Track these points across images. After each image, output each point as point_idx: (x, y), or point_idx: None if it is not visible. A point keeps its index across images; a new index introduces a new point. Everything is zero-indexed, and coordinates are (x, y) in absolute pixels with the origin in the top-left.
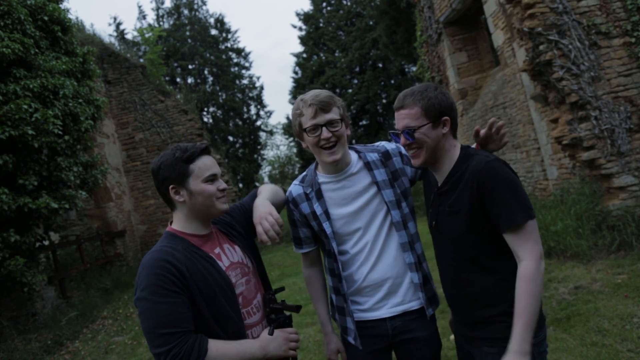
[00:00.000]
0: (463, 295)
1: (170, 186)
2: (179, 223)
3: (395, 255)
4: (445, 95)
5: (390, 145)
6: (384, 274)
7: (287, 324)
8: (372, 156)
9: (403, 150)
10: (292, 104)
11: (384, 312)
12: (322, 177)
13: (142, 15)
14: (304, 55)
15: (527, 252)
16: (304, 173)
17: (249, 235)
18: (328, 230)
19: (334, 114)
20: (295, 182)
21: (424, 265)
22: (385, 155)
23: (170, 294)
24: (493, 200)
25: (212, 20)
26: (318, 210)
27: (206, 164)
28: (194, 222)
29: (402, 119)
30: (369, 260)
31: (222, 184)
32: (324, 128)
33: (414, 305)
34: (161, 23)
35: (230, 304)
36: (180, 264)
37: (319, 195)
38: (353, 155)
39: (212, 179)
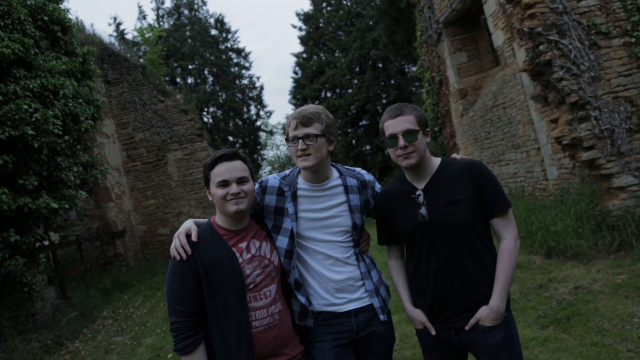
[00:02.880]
0: (464, 280)
1: (205, 187)
2: (216, 216)
3: (354, 268)
4: (424, 112)
5: (368, 177)
6: (349, 277)
7: None
8: (352, 181)
9: (377, 186)
10: (292, 104)
11: (350, 305)
12: (302, 183)
13: (142, 15)
14: (304, 56)
15: (508, 232)
16: (286, 172)
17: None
18: (295, 229)
19: (313, 129)
20: (276, 175)
21: (372, 273)
22: (363, 184)
23: (185, 277)
24: (489, 190)
25: (212, 21)
26: (290, 209)
27: (220, 171)
28: (224, 218)
29: (402, 123)
30: (325, 263)
31: (233, 189)
32: (300, 140)
33: (362, 303)
34: (161, 23)
35: (236, 290)
36: (199, 252)
37: (294, 197)
38: (335, 173)
39: (222, 184)
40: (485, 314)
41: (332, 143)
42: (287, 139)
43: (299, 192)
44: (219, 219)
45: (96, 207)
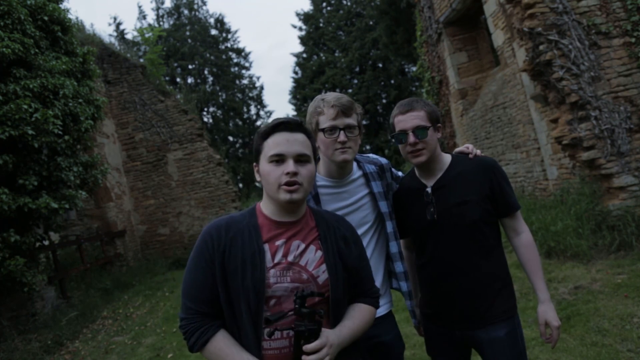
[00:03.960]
0: (471, 281)
1: (254, 163)
2: (263, 199)
3: (377, 264)
4: (436, 107)
5: (383, 160)
6: None
7: (307, 337)
8: (370, 167)
9: (394, 170)
10: (292, 104)
11: None
12: (321, 180)
13: (142, 15)
14: (304, 55)
15: (525, 227)
16: None
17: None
18: None
19: (352, 120)
20: None
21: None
22: (381, 169)
23: (197, 269)
24: (505, 190)
25: (212, 20)
26: None
27: (276, 141)
28: (271, 205)
29: (412, 119)
30: None
31: (289, 167)
32: (342, 131)
33: (380, 312)
34: (161, 23)
35: (250, 305)
36: (220, 243)
37: (317, 200)
38: (354, 163)
39: (276, 159)
40: (543, 312)
41: (361, 135)
42: (317, 130)
43: (321, 191)
44: (265, 205)
45: (96, 207)
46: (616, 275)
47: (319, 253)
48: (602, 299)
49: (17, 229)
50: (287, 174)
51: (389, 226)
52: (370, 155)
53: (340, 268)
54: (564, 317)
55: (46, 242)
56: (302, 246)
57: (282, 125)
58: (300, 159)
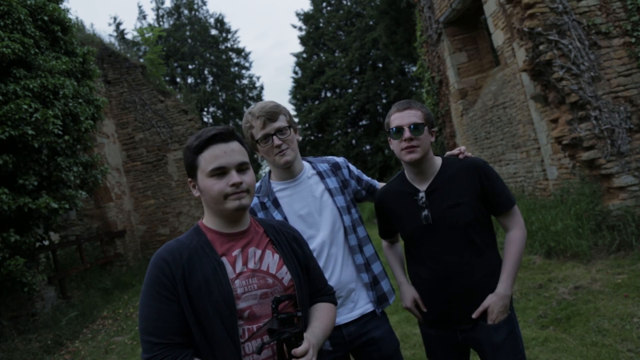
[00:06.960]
0: (470, 283)
1: (189, 179)
2: (205, 215)
3: (348, 259)
4: (431, 112)
5: (339, 159)
6: (341, 278)
7: (294, 342)
8: (323, 166)
9: (351, 166)
10: (292, 104)
11: (340, 319)
12: (277, 185)
13: (142, 15)
14: (304, 55)
15: (515, 223)
16: (257, 184)
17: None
18: None
19: (281, 122)
20: None
21: (373, 266)
22: (335, 166)
23: (159, 299)
24: (496, 189)
25: (212, 20)
26: (278, 217)
27: (213, 154)
28: (216, 219)
29: (409, 116)
30: (329, 266)
31: (234, 178)
32: (274, 137)
33: (368, 308)
34: (161, 23)
35: (223, 318)
36: (178, 266)
37: (276, 204)
38: (306, 164)
39: (218, 172)
40: (492, 302)
41: (296, 132)
42: (254, 143)
43: (278, 195)
44: (209, 221)
45: (96, 207)
46: (616, 275)
47: (277, 256)
48: (602, 299)
49: (17, 229)
50: (233, 185)
51: (347, 220)
52: (325, 157)
53: (299, 268)
54: (564, 317)
55: (46, 242)
56: (259, 252)
57: (217, 136)
58: (241, 168)
